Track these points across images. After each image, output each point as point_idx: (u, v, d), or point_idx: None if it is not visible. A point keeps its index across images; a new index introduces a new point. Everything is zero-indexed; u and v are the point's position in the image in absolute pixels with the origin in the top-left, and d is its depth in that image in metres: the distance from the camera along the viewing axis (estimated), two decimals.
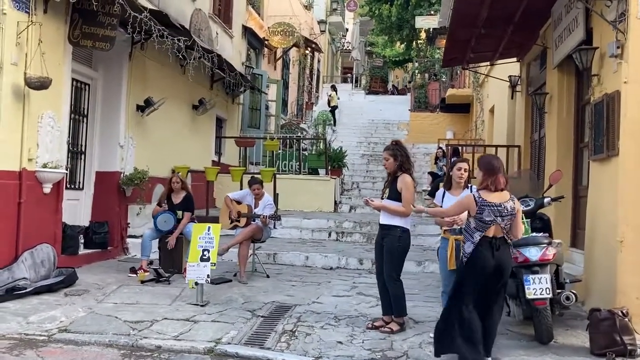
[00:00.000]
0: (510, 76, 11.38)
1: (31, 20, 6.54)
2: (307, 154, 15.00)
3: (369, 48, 39.32)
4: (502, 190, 4.59)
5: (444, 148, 15.03)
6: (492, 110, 15.02)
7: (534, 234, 5.51)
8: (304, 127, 20.22)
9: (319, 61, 28.75)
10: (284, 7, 19.29)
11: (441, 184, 6.08)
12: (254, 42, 16.78)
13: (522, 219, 5.56)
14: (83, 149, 8.62)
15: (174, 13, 9.89)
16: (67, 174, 7.63)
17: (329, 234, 10.87)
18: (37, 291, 6.27)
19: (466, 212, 4.69)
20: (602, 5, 6.00)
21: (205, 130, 12.61)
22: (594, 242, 6.21)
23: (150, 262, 7.73)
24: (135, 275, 7.31)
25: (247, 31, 15.64)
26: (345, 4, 33.35)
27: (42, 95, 6.73)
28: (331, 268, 8.70)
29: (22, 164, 6.64)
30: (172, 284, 7.06)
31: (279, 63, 20.09)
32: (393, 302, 5.45)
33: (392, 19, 25.68)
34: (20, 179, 6.62)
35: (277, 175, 12.05)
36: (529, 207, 6.08)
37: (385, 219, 5.46)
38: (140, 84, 9.32)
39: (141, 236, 8.11)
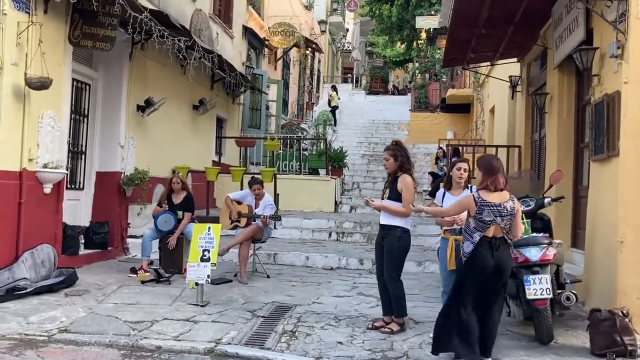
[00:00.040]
0: (510, 76, 11.38)
1: (31, 21, 6.54)
2: (307, 154, 15.00)
3: (369, 48, 39.31)
4: (501, 190, 4.59)
5: (445, 148, 15.03)
6: (492, 111, 15.02)
7: (535, 234, 5.51)
8: (305, 127, 20.23)
9: (319, 61, 28.75)
10: (284, 8, 19.29)
11: (441, 184, 6.07)
12: (255, 42, 16.78)
13: (523, 219, 5.57)
14: (83, 149, 8.62)
15: (175, 13, 9.89)
16: (67, 174, 7.63)
17: (330, 234, 10.87)
18: (38, 291, 6.27)
19: (466, 212, 4.69)
20: (602, 5, 6.00)
21: (206, 130, 12.62)
22: (595, 243, 6.20)
23: (151, 263, 7.73)
24: (135, 275, 7.31)
25: (248, 31, 15.64)
26: (345, 4, 33.36)
27: (43, 96, 6.73)
28: (331, 268, 8.70)
29: (22, 164, 6.65)
30: (173, 284, 7.06)
31: (280, 63, 20.09)
32: (393, 303, 5.45)
33: (393, 19, 25.68)
34: (21, 179, 6.62)
35: (278, 176, 12.05)
36: (530, 207, 6.08)
37: (385, 219, 5.46)
38: (141, 84, 9.33)
39: (141, 236, 8.11)
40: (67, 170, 7.68)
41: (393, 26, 26.28)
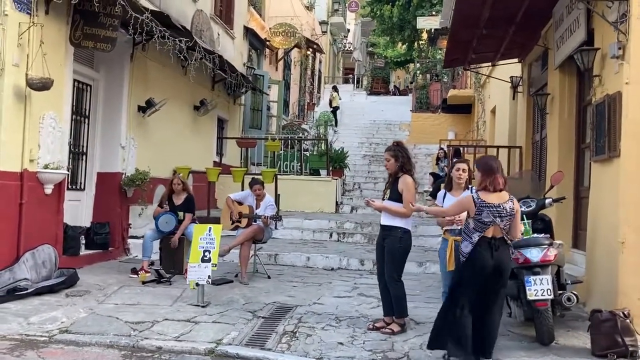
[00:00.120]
0: (511, 77, 11.37)
1: (33, 22, 6.55)
2: (308, 154, 15.00)
3: (370, 49, 39.31)
4: (500, 190, 4.58)
5: (446, 149, 15.03)
6: (493, 111, 15.01)
7: (535, 235, 5.49)
8: (306, 127, 20.23)
9: (320, 62, 28.74)
10: (285, 8, 19.29)
11: (442, 185, 6.07)
12: (256, 42, 16.79)
13: (523, 219, 5.58)
14: (84, 150, 8.63)
15: (176, 14, 9.90)
16: (68, 174, 7.64)
17: (330, 235, 10.87)
18: (38, 292, 6.27)
19: (465, 212, 4.69)
20: (603, 6, 5.99)
21: (207, 131, 12.62)
22: (596, 243, 6.20)
23: (152, 263, 7.73)
24: (136, 276, 7.31)
25: (249, 32, 15.65)
26: (346, 5, 33.37)
27: (44, 96, 6.74)
28: (332, 269, 8.69)
29: (23, 164, 6.65)
30: (173, 285, 7.06)
31: (281, 64, 20.10)
32: (394, 303, 5.45)
33: (394, 20, 25.68)
34: (22, 179, 6.62)
35: (279, 176, 12.05)
36: (531, 208, 6.07)
37: (386, 220, 5.46)
38: (142, 85, 9.33)
39: (142, 237, 8.11)
40: (68, 170, 7.68)
41: (394, 27, 26.28)
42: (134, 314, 5.73)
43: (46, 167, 6.92)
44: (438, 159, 15.43)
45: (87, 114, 8.62)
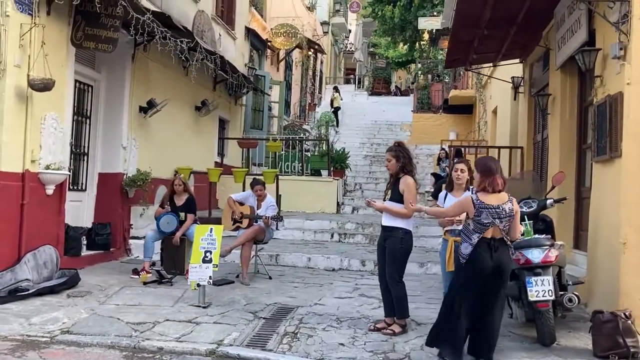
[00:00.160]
0: (513, 77, 11.37)
1: (34, 22, 6.55)
2: (309, 155, 15.00)
3: (371, 49, 39.33)
4: (499, 191, 4.57)
5: (447, 149, 15.02)
6: (495, 112, 15.00)
7: (537, 235, 5.49)
8: (307, 128, 20.23)
9: (321, 62, 28.75)
10: (286, 9, 19.31)
11: (444, 186, 6.07)
12: (257, 43, 16.80)
13: (525, 220, 5.57)
14: (86, 151, 8.63)
15: (177, 15, 9.91)
16: (69, 175, 7.64)
17: (332, 235, 10.87)
18: (40, 292, 6.27)
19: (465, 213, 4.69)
20: (604, 6, 5.99)
21: (208, 131, 12.63)
22: (597, 244, 6.19)
23: (153, 264, 7.73)
24: (137, 276, 7.31)
25: (250, 32, 15.66)
26: (348, 5, 33.38)
27: (45, 97, 6.74)
28: (333, 269, 8.69)
29: (25, 165, 6.65)
30: (175, 286, 7.06)
31: (282, 64, 20.11)
32: (395, 304, 5.45)
33: (395, 20, 25.68)
34: (23, 180, 6.62)
35: (280, 177, 12.04)
36: (532, 209, 6.06)
37: (387, 221, 5.45)
38: (143, 86, 9.34)
39: (144, 237, 8.12)
40: (70, 171, 7.69)
41: (395, 27, 26.28)
42: (135, 315, 5.74)
43: (47, 167, 6.93)
44: (439, 159, 15.43)
45: (88, 114, 8.63)
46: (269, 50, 18.09)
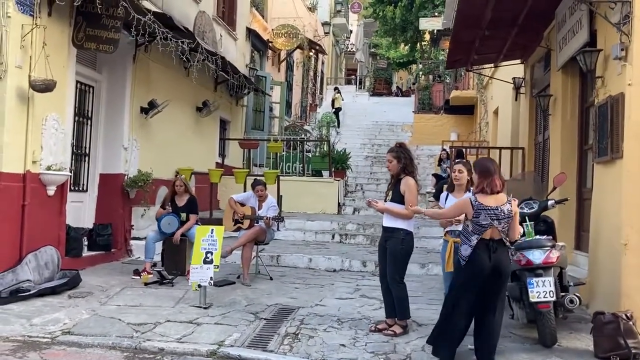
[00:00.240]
0: (514, 78, 11.36)
1: (35, 23, 6.55)
2: (310, 155, 15.00)
3: (373, 50, 39.34)
4: (498, 192, 4.57)
5: (448, 150, 15.02)
6: (496, 112, 15.00)
7: (538, 236, 5.49)
8: (308, 128, 20.22)
9: (322, 63, 28.77)
10: (287, 9, 19.32)
11: (445, 186, 6.07)
12: (258, 44, 16.81)
13: (526, 221, 5.57)
14: (87, 151, 8.64)
15: (178, 15, 9.92)
16: (71, 176, 7.65)
17: (333, 236, 10.86)
18: (41, 293, 6.28)
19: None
20: (606, 7, 5.98)
21: (209, 132, 12.64)
22: (598, 245, 6.18)
23: (154, 264, 7.73)
24: (138, 277, 7.32)
25: (251, 33, 15.67)
26: (349, 6, 33.39)
27: (47, 98, 6.75)
28: (334, 270, 8.69)
29: (26, 166, 6.65)
30: (176, 286, 7.06)
31: (283, 65, 20.12)
32: (396, 305, 5.45)
33: (396, 21, 25.69)
34: (25, 181, 6.63)
35: (281, 177, 12.03)
36: (533, 210, 6.04)
37: (388, 222, 5.45)
38: (144, 87, 9.35)
39: (145, 238, 8.12)
40: (71, 172, 7.70)
41: (397, 28, 26.29)
42: (136, 316, 5.74)
43: (49, 168, 6.93)
44: (440, 160, 15.41)
45: (89, 115, 8.63)
46: (270, 51, 18.11)
